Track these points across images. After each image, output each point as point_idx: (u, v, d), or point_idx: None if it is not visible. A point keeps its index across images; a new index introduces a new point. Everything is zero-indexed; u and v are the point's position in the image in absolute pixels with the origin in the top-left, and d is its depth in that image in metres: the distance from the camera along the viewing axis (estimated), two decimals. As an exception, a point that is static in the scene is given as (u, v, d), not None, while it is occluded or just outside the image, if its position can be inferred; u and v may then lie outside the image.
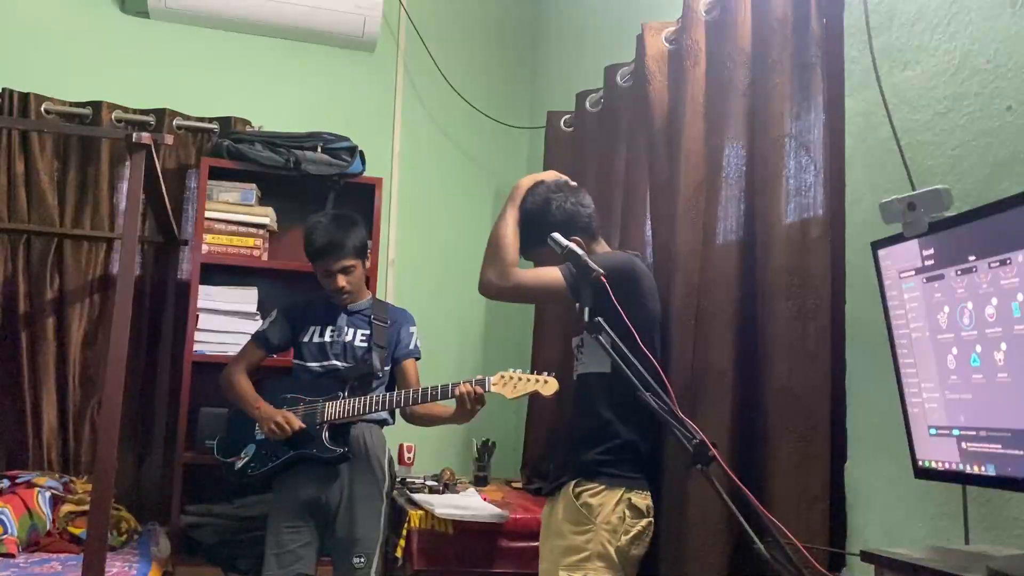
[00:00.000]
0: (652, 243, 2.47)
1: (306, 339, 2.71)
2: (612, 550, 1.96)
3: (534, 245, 2.16)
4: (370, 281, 2.98)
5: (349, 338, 2.69)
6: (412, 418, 2.71)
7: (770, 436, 1.94)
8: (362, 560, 2.53)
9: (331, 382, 2.63)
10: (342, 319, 2.72)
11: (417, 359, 2.78)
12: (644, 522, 2.00)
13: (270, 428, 2.52)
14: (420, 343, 2.80)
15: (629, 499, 1.99)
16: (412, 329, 2.79)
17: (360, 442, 2.61)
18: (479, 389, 2.42)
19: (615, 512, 1.97)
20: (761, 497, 1.89)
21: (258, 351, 2.75)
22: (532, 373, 2.40)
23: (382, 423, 2.71)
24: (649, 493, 2.03)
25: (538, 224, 2.13)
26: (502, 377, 2.40)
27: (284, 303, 2.84)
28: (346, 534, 2.55)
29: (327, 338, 2.70)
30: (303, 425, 2.53)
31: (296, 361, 2.73)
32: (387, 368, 2.71)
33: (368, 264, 2.78)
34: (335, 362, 2.67)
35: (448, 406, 2.58)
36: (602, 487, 1.99)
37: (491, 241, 2.17)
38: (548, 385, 2.35)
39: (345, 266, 2.65)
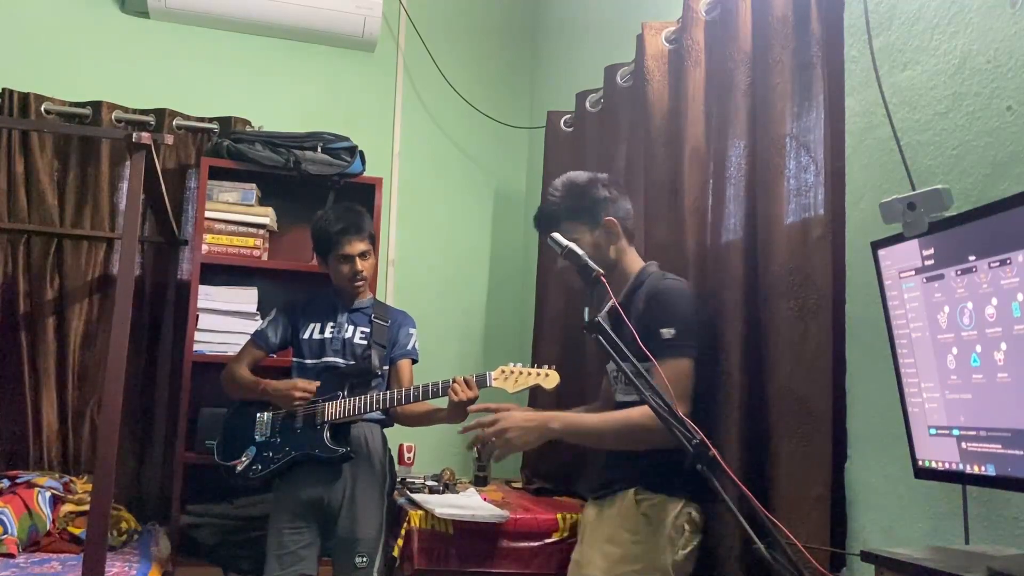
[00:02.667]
0: (650, 243, 2.47)
1: (305, 336, 2.70)
2: (669, 563, 1.90)
3: (573, 218, 2.07)
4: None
5: (349, 335, 2.68)
6: (401, 418, 2.70)
7: (773, 436, 1.93)
8: (364, 560, 2.52)
9: (330, 381, 2.61)
10: (343, 316, 2.71)
11: (414, 361, 2.77)
12: (699, 538, 1.95)
13: (294, 399, 2.52)
14: (420, 345, 2.80)
15: (689, 512, 1.93)
16: (412, 331, 2.78)
17: (362, 441, 2.60)
18: (469, 379, 2.41)
19: (675, 525, 1.91)
20: (765, 497, 1.90)
21: (257, 351, 2.73)
22: (533, 367, 2.40)
23: (381, 423, 2.71)
24: (702, 505, 1.96)
25: (583, 198, 2.07)
26: (503, 372, 2.40)
27: (283, 301, 2.83)
28: (348, 534, 2.54)
29: (327, 334, 2.69)
30: (318, 383, 2.54)
31: (295, 359, 2.72)
32: (386, 368, 2.71)
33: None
34: (334, 359, 2.66)
35: (439, 405, 2.58)
36: (663, 498, 1.94)
37: (626, 436, 1.96)
38: (549, 379, 2.34)
39: (364, 250, 2.65)
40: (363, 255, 2.66)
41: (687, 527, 1.92)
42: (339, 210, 2.70)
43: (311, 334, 2.70)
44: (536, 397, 3.30)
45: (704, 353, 1.96)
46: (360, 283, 2.68)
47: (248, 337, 2.83)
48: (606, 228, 2.08)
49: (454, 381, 2.42)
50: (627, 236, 2.14)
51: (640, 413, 1.86)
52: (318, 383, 2.55)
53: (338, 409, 2.54)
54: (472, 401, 2.41)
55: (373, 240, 2.72)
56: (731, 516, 1.94)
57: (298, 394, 2.53)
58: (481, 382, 2.42)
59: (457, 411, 2.45)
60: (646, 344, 1.79)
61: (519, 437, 1.98)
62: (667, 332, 1.89)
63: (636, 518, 1.95)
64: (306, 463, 2.55)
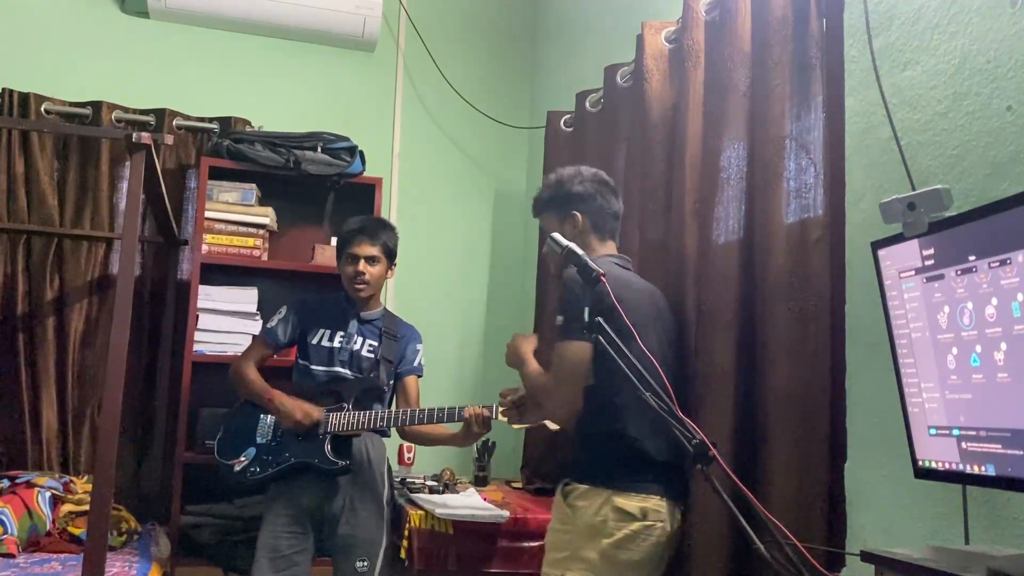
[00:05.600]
0: (648, 243, 2.47)
1: (314, 341, 2.69)
2: (595, 553, 1.93)
3: (547, 208, 2.24)
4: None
5: (357, 347, 2.69)
6: (408, 436, 2.73)
7: (770, 436, 1.93)
8: (365, 564, 2.52)
9: (336, 391, 2.62)
10: (353, 326, 2.71)
11: (419, 376, 2.79)
12: (636, 525, 1.94)
13: (296, 422, 2.53)
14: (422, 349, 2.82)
15: (613, 501, 1.95)
16: (419, 347, 2.79)
17: (363, 453, 2.61)
18: (486, 412, 2.43)
19: (598, 515, 1.94)
20: (761, 497, 1.90)
21: (266, 348, 2.74)
22: None
23: (381, 432, 2.71)
24: (645, 495, 1.95)
25: (559, 190, 2.21)
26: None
27: (295, 299, 2.82)
28: (349, 538, 2.54)
29: (336, 343, 2.69)
30: (322, 415, 2.54)
31: (301, 361, 2.71)
32: (392, 383, 2.72)
33: (392, 274, 2.80)
34: (340, 370, 2.66)
35: (448, 428, 2.59)
36: (586, 488, 1.98)
37: (531, 393, 2.24)
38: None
39: (372, 255, 2.67)
40: (370, 259, 2.66)
41: (612, 515, 1.94)
42: (365, 216, 2.76)
43: (320, 340, 2.69)
44: (530, 433, 3.30)
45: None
46: (361, 286, 2.68)
47: (252, 334, 2.83)
48: (571, 221, 2.17)
49: (466, 411, 2.44)
50: (597, 231, 2.19)
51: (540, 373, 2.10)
52: (323, 416, 2.55)
53: (342, 421, 2.55)
54: (487, 429, 2.48)
55: (389, 253, 2.72)
56: (720, 515, 1.96)
57: (300, 417, 2.53)
58: (487, 410, 2.45)
59: (470, 439, 2.51)
60: None
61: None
62: (559, 319, 2.01)
63: (563, 508, 2.01)
64: (305, 471, 2.55)
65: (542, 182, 2.33)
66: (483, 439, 3.27)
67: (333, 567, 2.62)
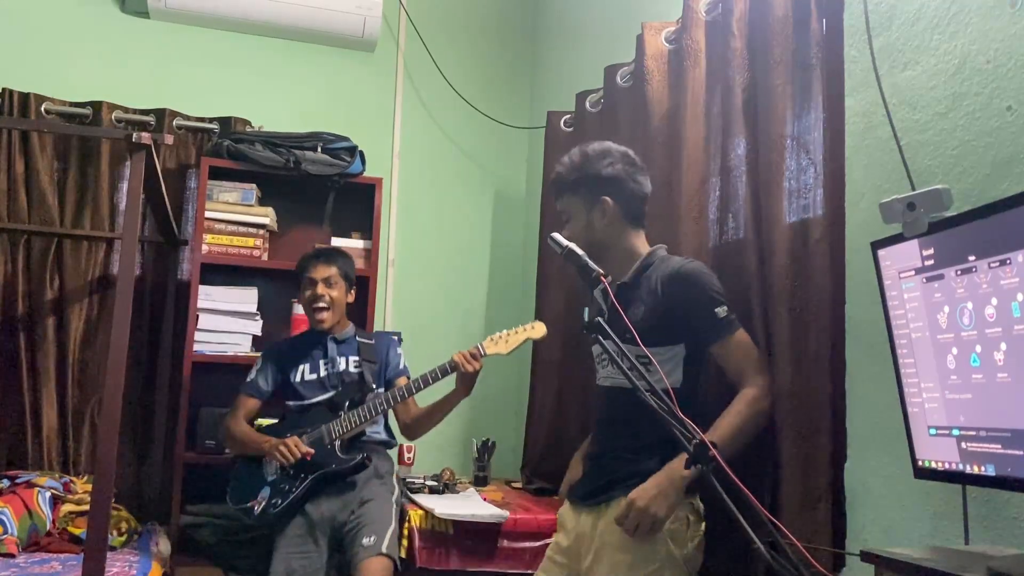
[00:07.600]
0: (649, 243, 2.47)
1: (297, 379, 2.74)
2: (679, 558, 1.87)
3: (571, 190, 2.03)
4: (353, 314, 2.98)
5: (343, 367, 2.74)
6: (415, 427, 2.73)
7: (775, 436, 1.93)
8: (372, 539, 2.46)
9: (329, 408, 2.66)
10: (332, 348, 2.76)
11: (408, 377, 2.82)
12: (703, 526, 1.93)
13: (279, 453, 2.53)
14: (420, 346, 2.88)
15: (691, 504, 1.91)
16: (399, 350, 2.86)
17: (371, 467, 2.62)
18: (473, 351, 2.51)
19: (679, 519, 1.87)
20: (765, 497, 1.90)
21: (251, 400, 2.77)
22: (517, 327, 2.53)
23: (387, 445, 2.75)
24: (697, 496, 1.94)
25: (586, 170, 2.00)
26: (492, 340, 2.53)
27: (266, 348, 2.91)
28: (355, 525, 2.53)
29: (322, 372, 2.73)
30: (311, 450, 2.55)
31: (289, 403, 2.75)
32: (375, 385, 2.74)
33: (351, 297, 2.84)
34: (333, 393, 2.71)
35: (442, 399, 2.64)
36: None
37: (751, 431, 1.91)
38: (536, 329, 2.52)
39: (328, 276, 2.72)
40: (327, 281, 2.72)
41: (690, 518, 1.90)
42: (323, 246, 2.88)
43: (302, 376, 2.74)
44: (535, 403, 3.29)
45: None
46: (321, 306, 2.72)
47: (255, 333, 2.88)
48: (601, 207, 2.00)
49: (453, 357, 2.52)
50: (630, 219, 2.03)
51: (740, 407, 1.87)
52: (310, 451, 2.55)
53: (343, 425, 2.58)
54: (478, 371, 2.53)
55: (347, 276, 2.78)
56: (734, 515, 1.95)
57: (283, 450, 2.53)
58: (475, 355, 2.53)
59: (468, 385, 2.55)
60: (699, 328, 1.90)
61: (657, 502, 1.82)
62: (721, 311, 1.89)
63: None
64: (320, 483, 2.57)
65: (566, 158, 2.05)
66: (483, 439, 3.28)
67: (345, 557, 2.57)
